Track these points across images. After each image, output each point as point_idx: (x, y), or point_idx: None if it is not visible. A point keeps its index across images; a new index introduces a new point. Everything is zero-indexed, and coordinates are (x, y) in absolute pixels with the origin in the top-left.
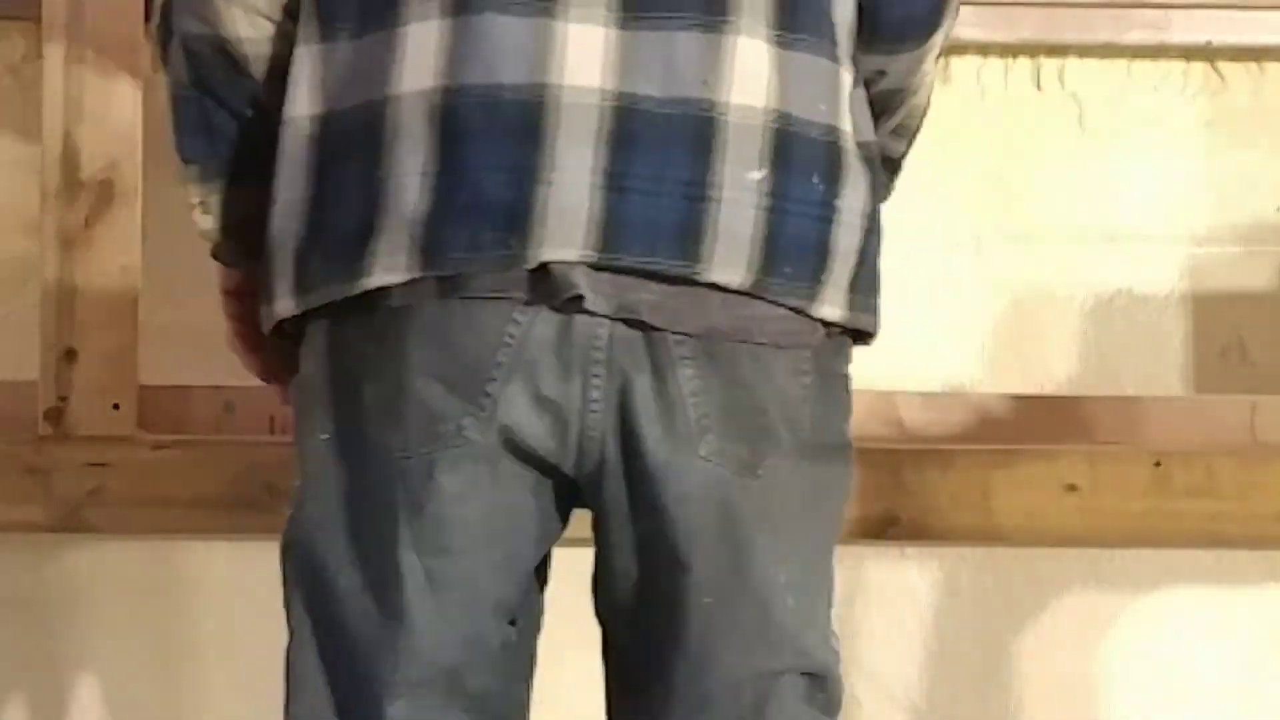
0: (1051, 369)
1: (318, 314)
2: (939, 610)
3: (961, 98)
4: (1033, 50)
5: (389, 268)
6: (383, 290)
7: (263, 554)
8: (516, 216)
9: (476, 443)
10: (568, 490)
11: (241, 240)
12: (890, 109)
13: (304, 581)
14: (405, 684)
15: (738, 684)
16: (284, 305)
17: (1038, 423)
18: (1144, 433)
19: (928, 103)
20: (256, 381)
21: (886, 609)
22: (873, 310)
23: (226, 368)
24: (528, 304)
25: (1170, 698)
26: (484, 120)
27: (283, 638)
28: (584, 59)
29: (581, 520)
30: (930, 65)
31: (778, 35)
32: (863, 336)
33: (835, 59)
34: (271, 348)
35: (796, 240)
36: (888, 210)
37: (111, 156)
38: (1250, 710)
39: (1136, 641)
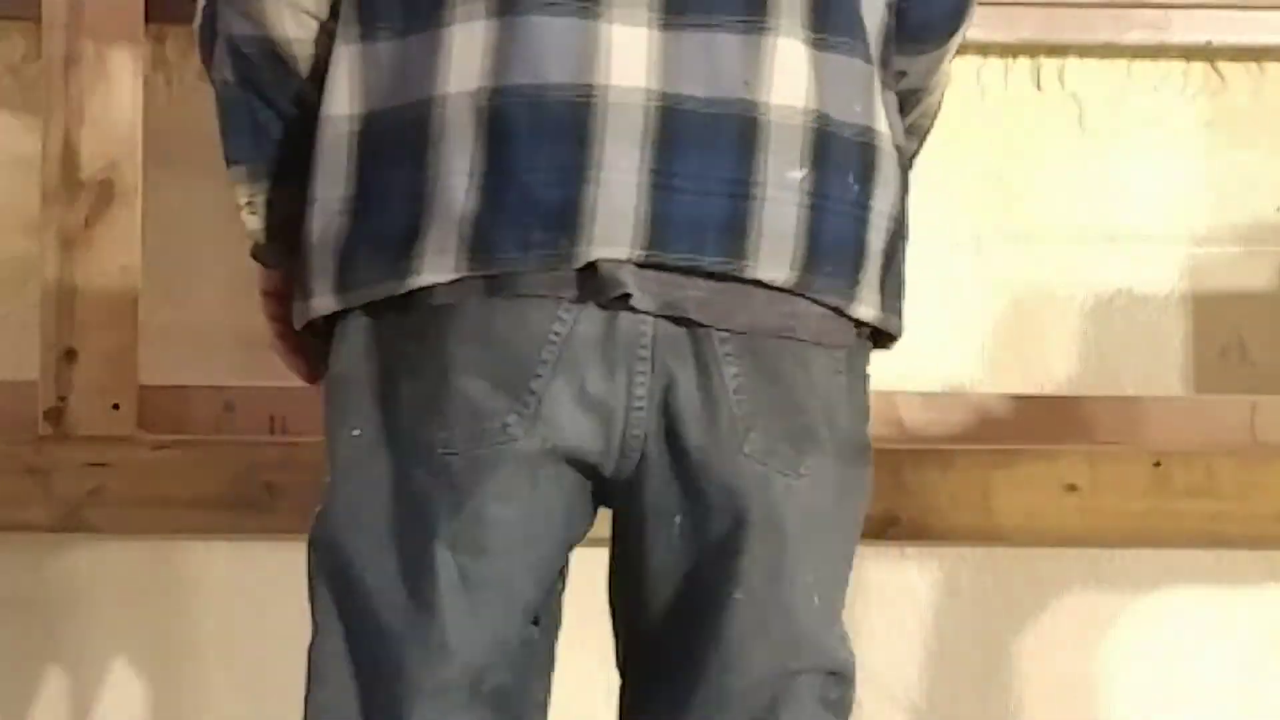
0: (1051, 369)
1: (353, 311)
2: (939, 610)
3: (961, 98)
4: (1033, 50)
5: (436, 267)
6: (425, 289)
7: (263, 554)
8: (565, 216)
9: (520, 440)
10: (600, 491)
11: (286, 241)
12: (907, 108)
13: (331, 576)
14: (432, 680)
15: (760, 681)
16: (323, 302)
17: (1038, 423)
18: (1144, 433)
19: (940, 103)
20: (256, 381)
21: (886, 609)
22: (900, 313)
23: (227, 368)
24: (572, 302)
25: (1170, 698)
26: (531, 121)
27: (282, 638)
28: (628, 60)
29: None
30: (947, 66)
31: (814, 37)
32: (884, 340)
33: (869, 60)
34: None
35: (836, 239)
36: None
37: (111, 156)
38: (1250, 710)
39: (1136, 641)
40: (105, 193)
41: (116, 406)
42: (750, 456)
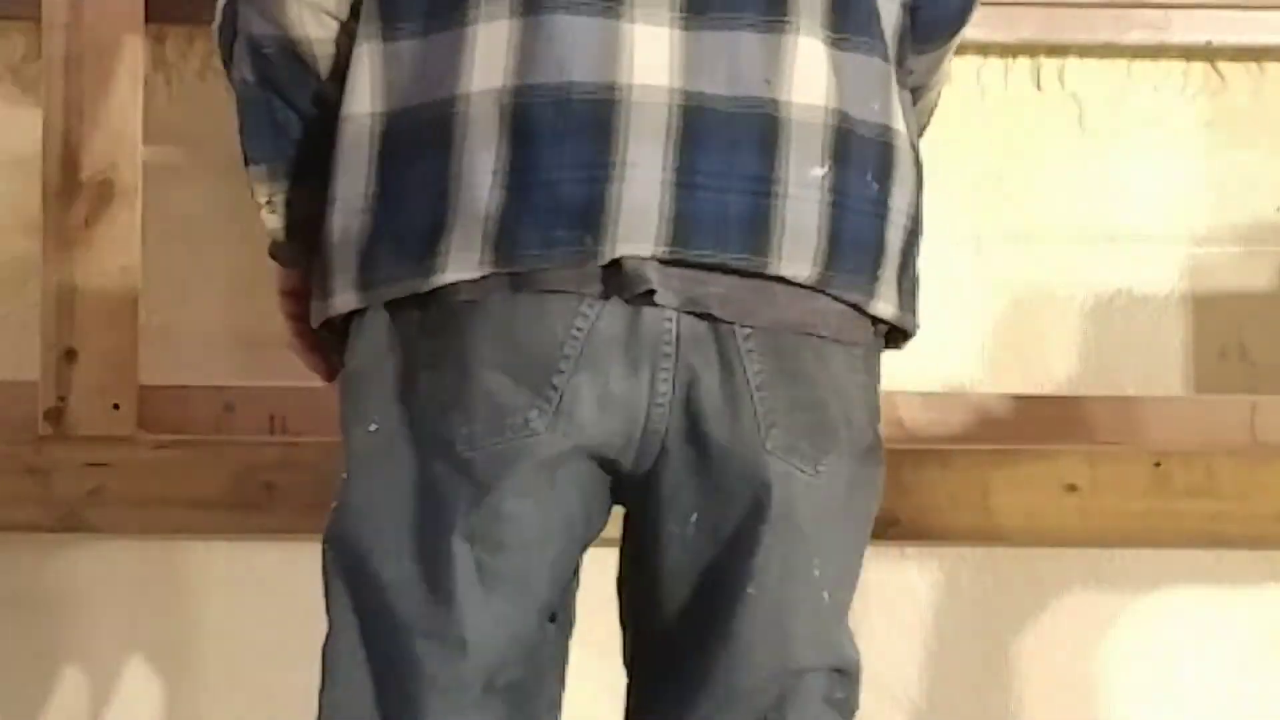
0: (1051, 369)
1: (371, 307)
2: (939, 610)
3: (961, 98)
4: (1033, 50)
5: (460, 264)
6: (448, 286)
7: (263, 554)
8: (590, 213)
9: (541, 435)
10: (616, 487)
11: (304, 239)
12: None
13: (347, 571)
14: (448, 675)
15: (769, 679)
16: (345, 300)
17: (1038, 423)
18: (1144, 433)
19: (937, 101)
20: (256, 381)
21: (886, 609)
22: (915, 311)
23: (227, 368)
24: (596, 298)
25: (1170, 698)
26: (556, 119)
27: (282, 638)
28: (651, 59)
29: None
30: (947, 64)
31: (833, 36)
32: (899, 339)
33: (886, 59)
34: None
35: (856, 237)
36: None
37: (111, 156)
38: (1250, 710)
39: (1136, 641)
40: (105, 193)
41: (116, 406)
42: (772, 453)
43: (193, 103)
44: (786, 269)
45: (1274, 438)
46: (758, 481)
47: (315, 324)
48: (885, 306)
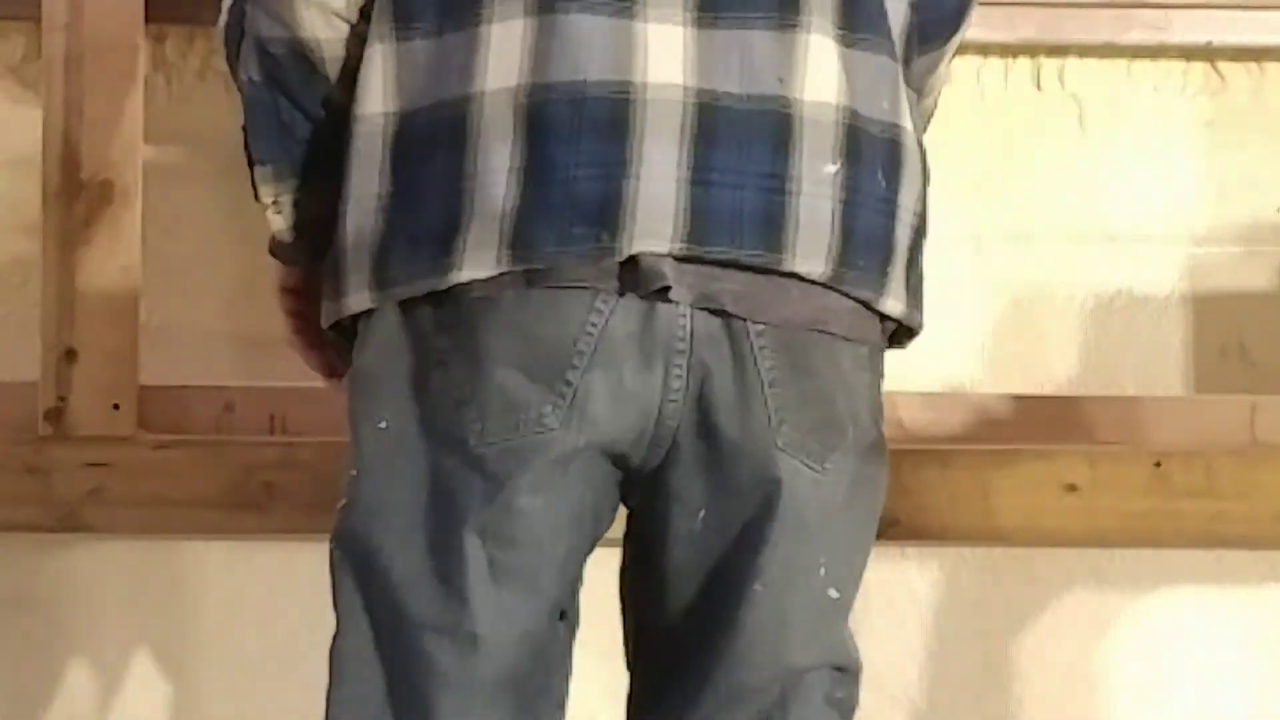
0: (1051, 369)
1: (382, 306)
2: (939, 610)
3: (961, 98)
4: (1033, 50)
5: (477, 262)
6: (462, 283)
7: (263, 554)
8: (607, 211)
9: (555, 431)
10: (625, 486)
11: (309, 239)
12: None
13: (357, 569)
14: (460, 672)
15: (772, 677)
16: (358, 300)
17: (1037, 423)
18: (1144, 433)
19: (935, 105)
20: (256, 381)
21: (886, 609)
22: (921, 309)
23: (227, 368)
24: (610, 294)
25: (1170, 697)
26: (571, 117)
27: (282, 637)
28: (665, 57)
29: None
30: (945, 67)
31: (843, 34)
32: (905, 337)
33: (894, 58)
34: (328, 343)
35: (867, 234)
36: None
37: (111, 156)
38: (1250, 710)
39: (1136, 641)
40: (105, 193)
41: (116, 406)
42: (783, 449)
43: (193, 103)
44: (800, 266)
45: (1274, 438)
46: (768, 478)
47: (325, 324)
48: (894, 304)
